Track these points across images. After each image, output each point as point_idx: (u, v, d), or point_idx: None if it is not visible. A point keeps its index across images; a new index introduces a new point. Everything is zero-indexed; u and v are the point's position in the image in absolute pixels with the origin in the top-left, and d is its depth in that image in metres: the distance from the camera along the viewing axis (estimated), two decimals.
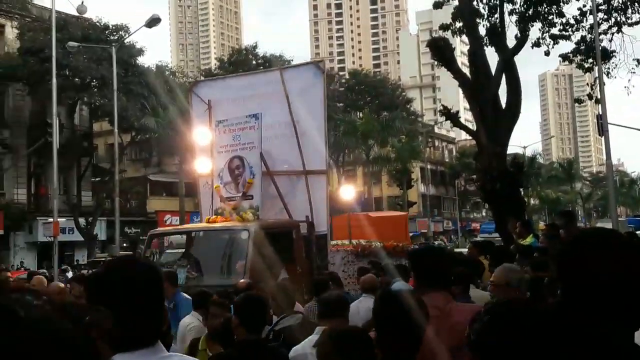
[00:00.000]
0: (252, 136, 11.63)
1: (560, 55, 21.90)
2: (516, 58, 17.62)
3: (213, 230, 11.04)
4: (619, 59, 20.57)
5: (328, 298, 4.35)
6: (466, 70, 18.50)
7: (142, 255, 11.54)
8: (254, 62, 54.75)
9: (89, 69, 31.92)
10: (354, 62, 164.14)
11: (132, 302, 1.73)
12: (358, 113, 53.43)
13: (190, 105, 13.50)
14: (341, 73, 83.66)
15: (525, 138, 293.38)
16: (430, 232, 51.31)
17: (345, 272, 12.13)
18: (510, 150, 18.88)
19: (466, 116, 59.30)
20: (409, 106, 63.22)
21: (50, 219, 24.05)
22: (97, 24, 35.04)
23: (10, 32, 34.99)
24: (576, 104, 35.91)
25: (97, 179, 39.73)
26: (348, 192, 17.72)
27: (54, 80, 23.55)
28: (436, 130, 72.21)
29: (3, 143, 33.91)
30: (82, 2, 31.16)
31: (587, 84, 23.69)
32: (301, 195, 11.95)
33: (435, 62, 20.80)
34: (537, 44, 19.62)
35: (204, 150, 12.40)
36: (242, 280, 7.48)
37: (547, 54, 20.01)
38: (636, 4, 18.59)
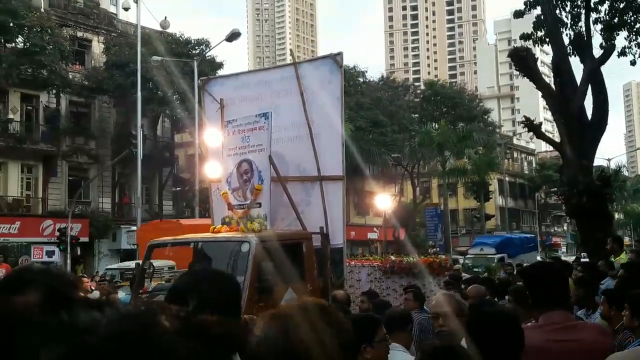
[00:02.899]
0: (261, 137, 10.38)
1: None
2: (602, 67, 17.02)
3: (212, 242, 10.02)
4: None
5: (393, 312, 4.35)
6: (548, 81, 18.01)
7: (140, 267, 10.80)
8: None
9: (172, 82, 33.04)
10: (429, 73, 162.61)
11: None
12: (434, 124, 52.85)
13: (203, 105, 12.53)
14: (416, 84, 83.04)
15: (609, 150, 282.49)
16: None
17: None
18: (595, 162, 18.14)
19: (546, 127, 57.59)
20: (486, 117, 61.99)
21: (134, 227, 24.86)
22: (180, 38, 36.19)
23: (97, 47, 36.60)
24: None
25: (177, 189, 40.90)
26: (382, 201, 16.10)
27: (139, 93, 24.43)
28: (515, 141, 70.43)
29: (89, 153, 35.42)
30: (165, 18, 32.28)
31: None
32: (316, 203, 10.71)
33: (516, 72, 20.34)
34: (623, 53, 18.94)
35: (216, 153, 11.25)
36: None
37: (632, 63, 19.30)
38: None
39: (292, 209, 10.41)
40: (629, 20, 18.53)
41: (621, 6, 18.42)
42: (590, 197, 14.16)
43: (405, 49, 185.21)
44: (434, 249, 39.06)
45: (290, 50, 46.73)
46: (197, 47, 35.46)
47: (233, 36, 25.96)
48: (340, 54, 11.07)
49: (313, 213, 10.54)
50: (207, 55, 33.62)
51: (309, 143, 10.77)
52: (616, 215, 64.86)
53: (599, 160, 54.30)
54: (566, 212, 19.63)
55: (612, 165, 60.95)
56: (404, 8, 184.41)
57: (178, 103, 34.00)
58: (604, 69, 17.08)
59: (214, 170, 11.21)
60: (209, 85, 12.31)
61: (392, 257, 12.50)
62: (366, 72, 57.63)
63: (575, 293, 6.35)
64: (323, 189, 10.64)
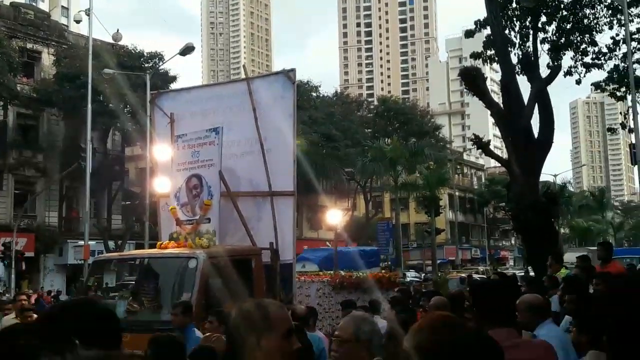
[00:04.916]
0: (211, 152, 10.23)
1: (592, 84, 21.78)
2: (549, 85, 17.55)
3: (159, 258, 9.72)
4: None
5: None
6: (497, 98, 18.44)
7: (84, 284, 10.49)
8: None
9: (123, 95, 32.58)
10: (382, 89, 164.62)
11: None
12: (387, 139, 53.42)
13: (153, 119, 12.34)
14: (370, 99, 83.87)
15: (556, 166, 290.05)
16: (458, 259, 50.76)
17: (320, 306, 10.88)
18: (541, 178, 18.62)
19: (495, 143, 58.86)
20: (437, 133, 63.06)
21: (81, 242, 24.35)
22: (132, 51, 35.75)
23: (47, 59, 35.87)
24: (608, 133, 35.46)
25: (127, 203, 40.21)
26: (334, 216, 16.02)
27: (89, 106, 23.99)
28: (465, 157, 71.79)
29: (36, 167, 34.56)
30: (118, 30, 31.95)
31: (620, 113, 23.43)
32: (266, 219, 10.57)
33: (466, 90, 20.78)
34: (569, 73, 19.54)
35: (166, 167, 11.06)
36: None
37: (578, 82, 19.91)
38: None
39: (242, 225, 10.30)
40: (575, 41, 19.16)
41: (568, 27, 19.04)
42: (536, 214, 14.52)
43: (360, 64, 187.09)
44: (386, 263, 39.36)
45: (243, 65, 46.51)
46: (150, 61, 35.09)
47: (187, 50, 25.79)
48: (293, 70, 11.10)
49: (263, 229, 10.46)
50: (160, 68, 33.28)
51: (261, 158, 10.70)
52: (562, 230, 66.64)
53: (545, 176, 55.78)
54: (513, 227, 20.09)
55: (559, 181, 62.70)
56: (358, 25, 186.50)
57: (129, 116, 33.52)
58: (551, 87, 17.62)
59: (163, 185, 11.03)
60: (159, 99, 12.14)
61: (342, 273, 12.41)
62: (320, 87, 57.97)
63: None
64: (274, 205, 10.57)
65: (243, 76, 12.89)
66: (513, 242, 67.35)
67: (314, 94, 58.27)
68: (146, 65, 34.09)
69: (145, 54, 35.79)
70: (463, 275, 30.74)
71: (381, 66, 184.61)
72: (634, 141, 22.32)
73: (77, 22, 32.47)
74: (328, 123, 50.41)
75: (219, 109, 11.26)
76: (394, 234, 43.40)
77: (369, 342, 3.06)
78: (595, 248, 11.53)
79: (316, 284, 11.76)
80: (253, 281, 9.48)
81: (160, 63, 33.68)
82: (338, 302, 10.52)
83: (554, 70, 17.48)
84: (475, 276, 27.73)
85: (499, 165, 20.98)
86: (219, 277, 8.45)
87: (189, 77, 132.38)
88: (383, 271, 16.15)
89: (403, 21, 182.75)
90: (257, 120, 10.85)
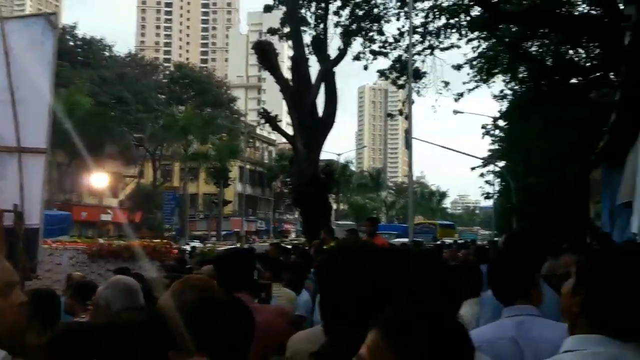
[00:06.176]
0: None
1: (377, 71, 23.23)
2: (341, 69, 18.49)
3: None
4: (430, 80, 22.18)
5: None
6: (290, 76, 18.99)
7: None
8: (71, 42, 51.49)
9: None
10: (180, 55, 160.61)
11: None
12: (180, 107, 52.44)
13: None
14: (166, 64, 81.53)
15: (341, 146, 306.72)
16: (243, 231, 51.73)
17: None
18: (326, 156, 19.69)
19: (289, 120, 60.43)
20: (232, 105, 63.29)
21: None
22: None
23: None
24: (388, 118, 38.28)
25: None
26: (100, 180, 14.86)
27: None
28: (258, 131, 73.01)
29: None
30: None
31: (400, 100, 25.21)
32: (12, 178, 10.24)
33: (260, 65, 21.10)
34: (357, 58, 20.62)
35: None
36: None
37: (365, 68, 21.10)
38: (448, 31, 20.13)
39: None
40: (365, 28, 20.22)
41: (360, 14, 20.03)
42: (314, 188, 15.27)
43: (158, 27, 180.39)
44: (171, 233, 38.88)
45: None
46: None
47: None
48: (54, 14, 10.16)
49: (7, 188, 9.60)
50: None
51: (10, 109, 9.77)
52: (341, 206, 70.91)
53: (330, 154, 58.81)
54: (292, 200, 20.95)
55: (342, 160, 66.40)
56: None
57: None
58: (345, 71, 18.50)
59: None
60: None
61: (101, 240, 12.03)
62: (113, 46, 55.13)
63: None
64: (22, 163, 9.77)
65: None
66: (297, 215, 70.17)
67: (106, 53, 55.26)
68: None
69: None
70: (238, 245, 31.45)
71: (180, 31, 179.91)
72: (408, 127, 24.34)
73: None
74: (120, 85, 48.16)
75: None
76: (180, 204, 42.91)
77: (106, 307, 3.27)
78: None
79: (69, 251, 11.22)
80: None
81: None
82: (94, 271, 10.11)
83: (341, 53, 18.40)
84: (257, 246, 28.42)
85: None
86: None
87: None
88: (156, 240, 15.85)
89: None
90: (10, 66, 9.93)
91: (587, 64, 20.96)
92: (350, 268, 1.82)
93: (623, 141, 11.82)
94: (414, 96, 22.33)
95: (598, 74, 19.64)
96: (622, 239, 9.96)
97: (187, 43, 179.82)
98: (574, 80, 21.06)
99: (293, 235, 68.84)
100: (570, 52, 21.79)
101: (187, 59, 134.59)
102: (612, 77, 14.83)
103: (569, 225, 21.41)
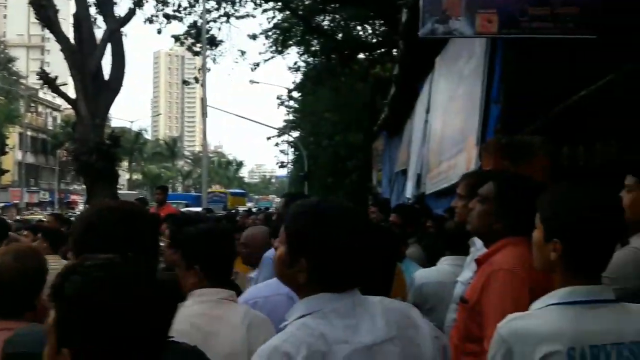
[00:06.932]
0: None
1: (172, 36, 22.39)
2: (135, 32, 17.44)
3: None
4: (226, 48, 21.85)
5: None
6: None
7: None
8: None
9: None
10: None
11: None
12: None
13: None
14: None
15: (137, 113, 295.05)
16: (23, 202, 47.80)
17: None
18: (118, 123, 18.67)
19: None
20: (11, 65, 58.21)
21: None
22: None
23: None
24: (185, 85, 37.43)
25: None
26: None
27: None
28: (41, 95, 67.31)
29: None
30: None
31: (196, 68, 24.69)
32: None
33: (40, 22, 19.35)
34: (150, 21, 19.67)
35: None
36: None
37: (159, 32, 20.30)
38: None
39: None
40: None
41: None
42: (99, 156, 14.43)
43: None
44: None
45: None
46: None
47: None
48: None
49: None
50: None
51: None
52: (134, 176, 68.46)
53: (123, 121, 56.25)
54: (75, 169, 19.59)
55: (135, 128, 63.83)
56: None
57: None
58: (136, 34, 17.45)
59: None
60: None
61: None
62: None
63: None
64: None
65: None
66: (85, 186, 66.38)
67: None
68: None
69: None
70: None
71: None
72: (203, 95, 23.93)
73: None
74: None
75: None
76: None
77: None
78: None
79: None
80: None
81: None
82: None
83: (129, 13, 17.35)
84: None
85: None
86: None
87: None
88: None
89: None
90: None
91: (374, 40, 22.18)
92: None
93: (400, 114, 12.72)
94: (210, 64, 21.93)
95: (382, 50, 20.88)
96: (398, 202, 10.76)
97: None
98: (361, 55, 22.21)
99: (81, 207, 65.09)
100: (359, 28, 22.90)
101: None
102: (395, 53, 15.77)
103: (354, 191, 22.81)
